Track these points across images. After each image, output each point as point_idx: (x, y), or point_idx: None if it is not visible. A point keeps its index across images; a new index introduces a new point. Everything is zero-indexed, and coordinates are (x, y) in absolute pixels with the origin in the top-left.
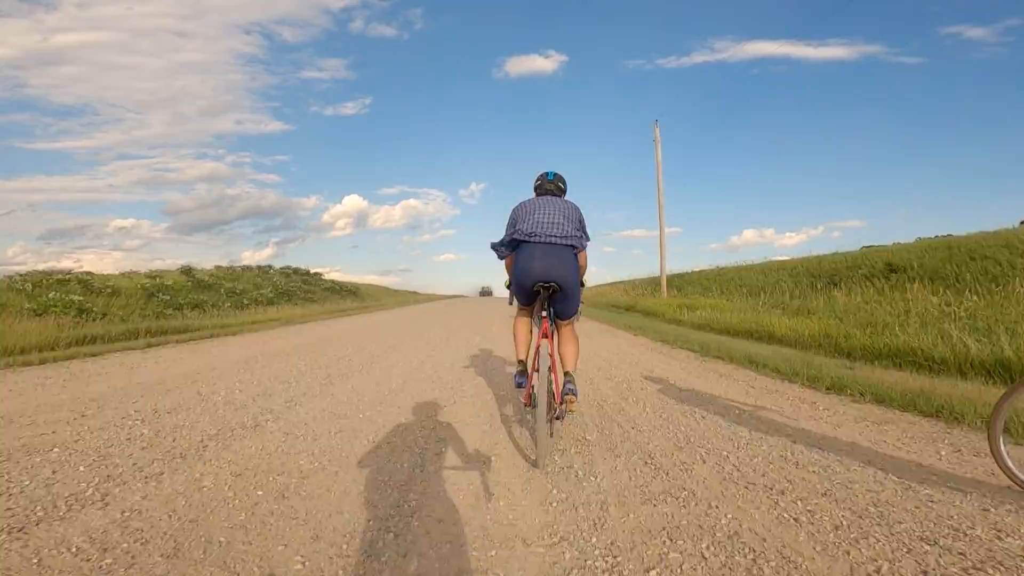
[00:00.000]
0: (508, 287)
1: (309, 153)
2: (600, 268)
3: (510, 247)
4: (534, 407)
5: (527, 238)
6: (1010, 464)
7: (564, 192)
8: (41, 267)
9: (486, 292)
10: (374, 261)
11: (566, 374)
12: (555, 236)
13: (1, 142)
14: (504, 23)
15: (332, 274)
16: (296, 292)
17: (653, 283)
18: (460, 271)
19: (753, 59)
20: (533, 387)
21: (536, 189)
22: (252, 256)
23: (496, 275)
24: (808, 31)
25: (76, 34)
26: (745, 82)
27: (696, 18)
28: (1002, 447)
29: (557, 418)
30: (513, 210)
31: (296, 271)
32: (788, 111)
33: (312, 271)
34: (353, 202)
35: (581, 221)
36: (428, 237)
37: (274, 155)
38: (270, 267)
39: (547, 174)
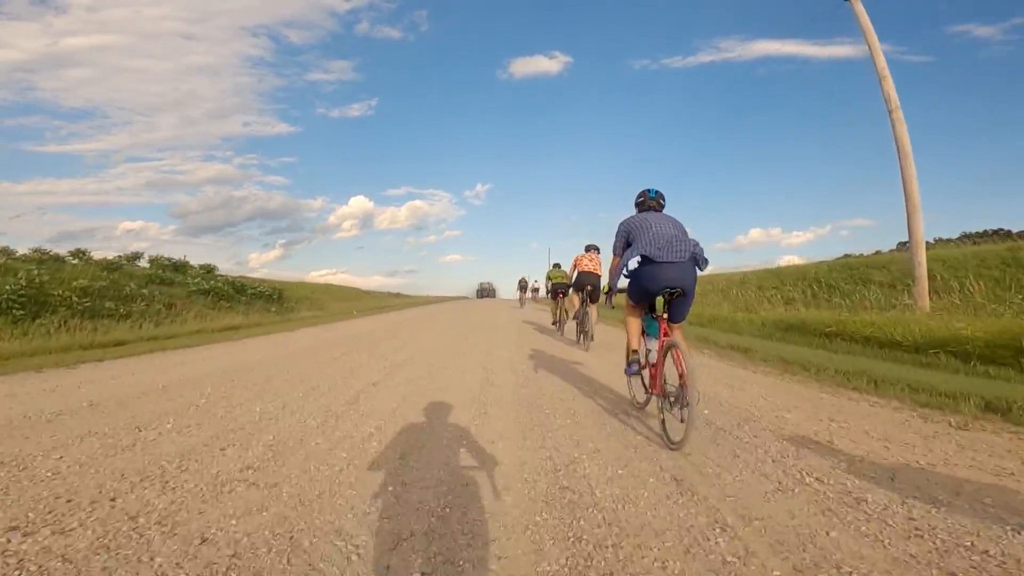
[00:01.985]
0: (547, 291)
1: (316, 155)
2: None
3: (622, 251)
4: (662, 396)
5: (657, 253)
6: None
7: (664, 207)
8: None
9: (486, 292)
10: (380, 262)
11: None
12: (682, 251)
13: (11, 145)
14: (509, 25)
15: (332, 277)
16: (157, 297)
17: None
18: (465, 272)
19: (759, 58)
20: (644, 380)
21: (638, 206)
22: (259, 258)
23: (504, 274)
24: (814, 30)
25: (85, 37)
26: (751, 81)
27: (702, 18)
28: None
29: (685, 406)
30: (624, 224)
31: (170, 263)
32: (795, 110)
33: (201, 264)
34: (359, 203)
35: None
36: (434, 238)
37: (281, 157)
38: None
39: (649, 192)
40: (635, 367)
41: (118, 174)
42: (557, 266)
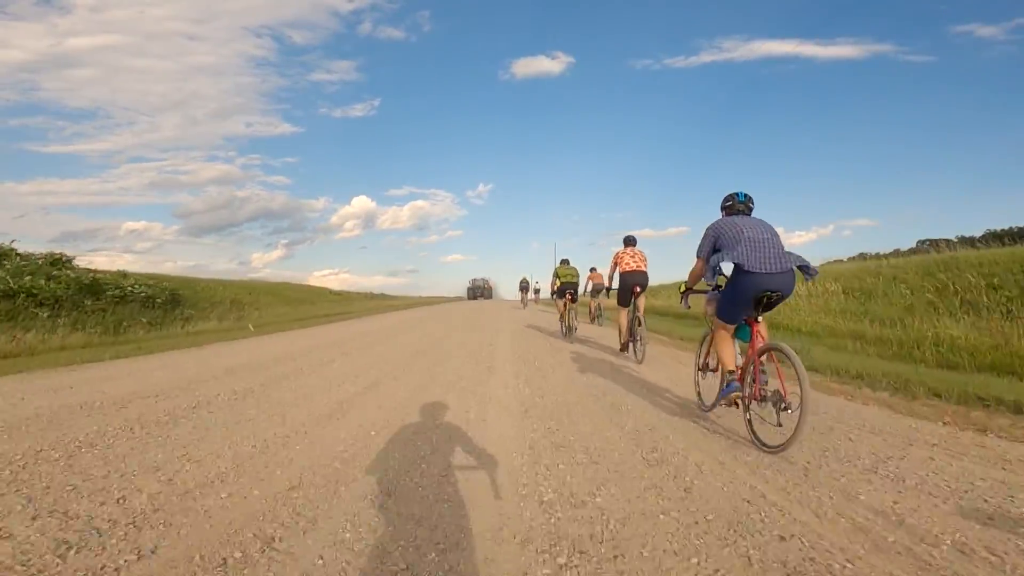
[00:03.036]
0: (553, 291)
1: (318, 155)
2: (606, 268)
3: (709, 255)
4: (764, 400)
5: (753, 262)
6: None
7: (752, 210)
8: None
9: (480, 291)
10: (382, 262)
11: None
12: (780, 258)
13: (14, 145)
14: (511, 25)
15: (331, 277)
16: None
17: None
18: (467, 272)
19: (762, 58)
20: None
21: (726, 209)
22: (262, 258)
23: (505, 273)
24: (817, 30)
25: (89, 37)
26: (754, 81)
27: (704, 18)
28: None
29: (786, 408)
30: (713, 228)
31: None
32: (797, 110)
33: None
34: (361, 203)
35: None
36: (435, 238)
37: (283, 157)
38: None
39: (738, 195)
40: (735, 386)
41: (121, 174)
42: (565, 262)
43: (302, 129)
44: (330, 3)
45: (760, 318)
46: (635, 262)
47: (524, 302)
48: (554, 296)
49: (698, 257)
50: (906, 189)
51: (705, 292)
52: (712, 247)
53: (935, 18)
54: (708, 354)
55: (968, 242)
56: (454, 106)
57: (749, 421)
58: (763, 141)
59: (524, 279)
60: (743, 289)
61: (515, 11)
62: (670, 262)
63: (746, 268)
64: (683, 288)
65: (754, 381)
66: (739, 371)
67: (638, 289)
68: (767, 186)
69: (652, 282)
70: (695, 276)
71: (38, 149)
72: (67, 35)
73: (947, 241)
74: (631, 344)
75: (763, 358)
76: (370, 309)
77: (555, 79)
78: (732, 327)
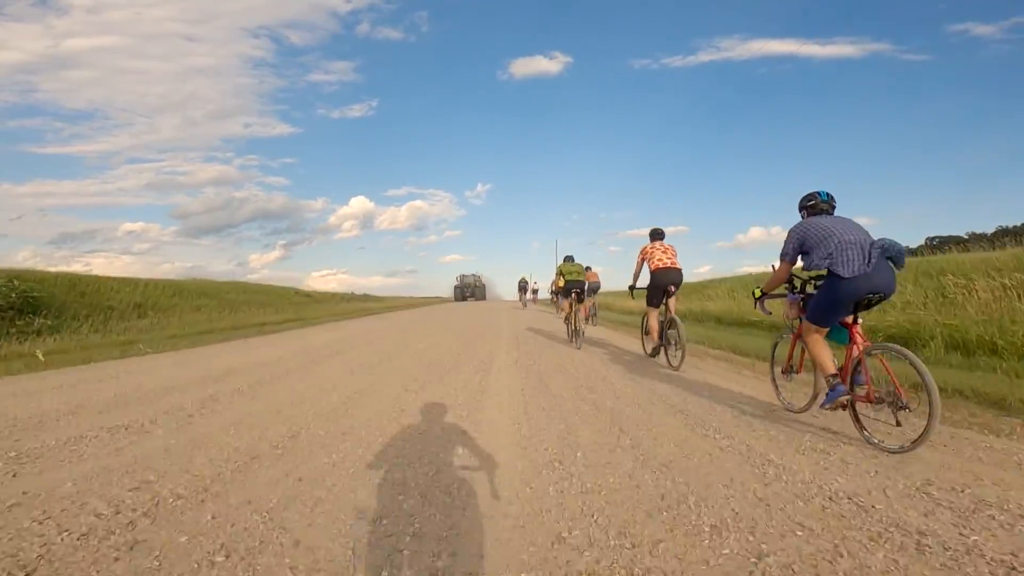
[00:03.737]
0: (556, 292)
1: (316, 156)
2: (605, 268)
3: (794, 258)
4: (879, 402)
5: (850, 267)
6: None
7: (835, 208)
8: (51, 271)
9: (470, 290)
10: (380, 263)
11: None
12: (875, 257)
13: (12, 147)
14: (509, 25)
15: (329, 277)
16: None
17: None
18: (465, 272)
19: (759, 58)
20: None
21: (809, 209)
22: (260, 259)
23: (504, 273)
24: (815, 29)
25: (87, 38)
26: (752, 81)
27: (702, 17)
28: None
29: (903, 408)
30: (799, 230)
31: None
32: (795, 109)
33: None
34: (360, 204)
35: None
36: (434, 238)
37: (282, 158)
38: None
39: (820, 194)
40: (842, 389)
41: (119, 175)
42: (570, 259)
43: (300, 130)
44: (328, 4)
45: (860, 319)
46: (668, 258)
47: (523, 302)
48: (557, 296)
49: (782, 260)
50: (904, 187)
51: (783, 296)
52: (797, 250)
53: (932, 17)
54: (790, 356)
55: (980, 239)
56: (452, 106)
57: (855, 418)
58: (761, 140)
59: (523, 279)
60: (841, 295)
61: (513, 11)
62: None
63: (843, 275)
64: (758, 292)
65: (864, 383)
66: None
67: (672, 288)
68: (766, 186)
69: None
70: (777, 280)
71: (36, 150)
72: (65, 36)
73: (956, 238)
74: (664, 349)
75: (870, 361)
76: (336, 314)
77: (553, 79)
78: (825, 330)
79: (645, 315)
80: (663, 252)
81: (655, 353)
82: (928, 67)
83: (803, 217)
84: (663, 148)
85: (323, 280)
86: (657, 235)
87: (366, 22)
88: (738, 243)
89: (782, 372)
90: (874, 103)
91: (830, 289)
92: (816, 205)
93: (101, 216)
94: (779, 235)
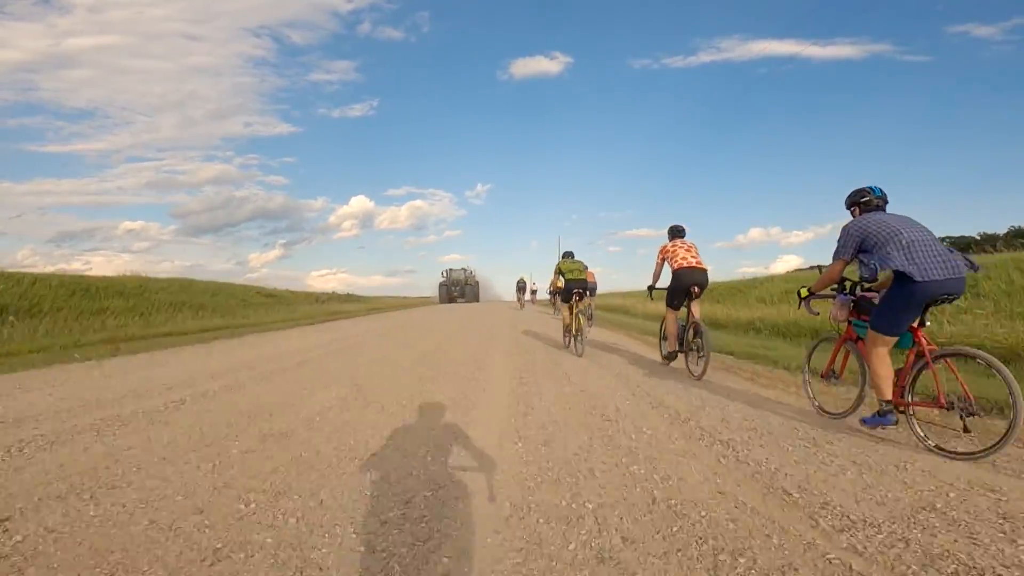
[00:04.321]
0: (554, 292)
1: (316, 155)
2: (606, 268)
3: (851, 257)
4: (950, 408)
5: (924, 268)
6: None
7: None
8: (50, 270)
9: (459, 288)
10: (380, 262)
11: None
12: (949, 259)
13: (12, 145)
14: (509, 25)
15: (329, 277)
16: None
17: None
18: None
19: (760, 58)
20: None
21: (862, 205)
22: (259, 258)
23: (503, 272)
24: (815, 30)
25: (88, 37)
26: (752, 81)
27: (702, 18)
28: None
29: (971, 415)
30: (857, 227)
31: None
32: (795, 110)
33: None
34: (360, 203)
35: None
36: (433, 238)
37: (282, 157)
38: None
39: (873, 189)
40: (892, 419)
41: (119, 174)
42: (570, 255)
43: (300, 129)
44: (329, 3)
45: (928, 322)
46: (692, 256)
47: (522, 303)
48: (556, 298)
49: (837, 259)
50: (904, 188)
51: (831, 296)
52: (856, 248)
53: (932, 18)
54: (833, 360)
55: (993, 239)
56: (453, 106)
57: (915, 425)
58: (761, 140)
59: (521, 279)
60: (914, 298)
61: (513, 12)
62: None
63: (916, 277)
64: (805, 292)
65: (935, 389)
66: (895, 397)
67: (696, 290)
68: (766, 186)
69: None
70: (829, 280)
71: (36, 149)
72: (66, 35)
73: (967, 239)
74: (685, 356)
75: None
76: (290, 320)
77: (553, 79)
78: (893, 340)
79: (663, 319)
80: (686, 250)
81: (671, 358)
82: (928, 68)
83: (854, 215)
84: (663, 148)
85: (323, 280)
86: (678, 232)
87: (367, 22)
88: (737, 243)
89: (821, 376)
90: (874, 104)
91: (901, 292)
92: (870, 201)
93: (101, 215)
94: (778, 236)
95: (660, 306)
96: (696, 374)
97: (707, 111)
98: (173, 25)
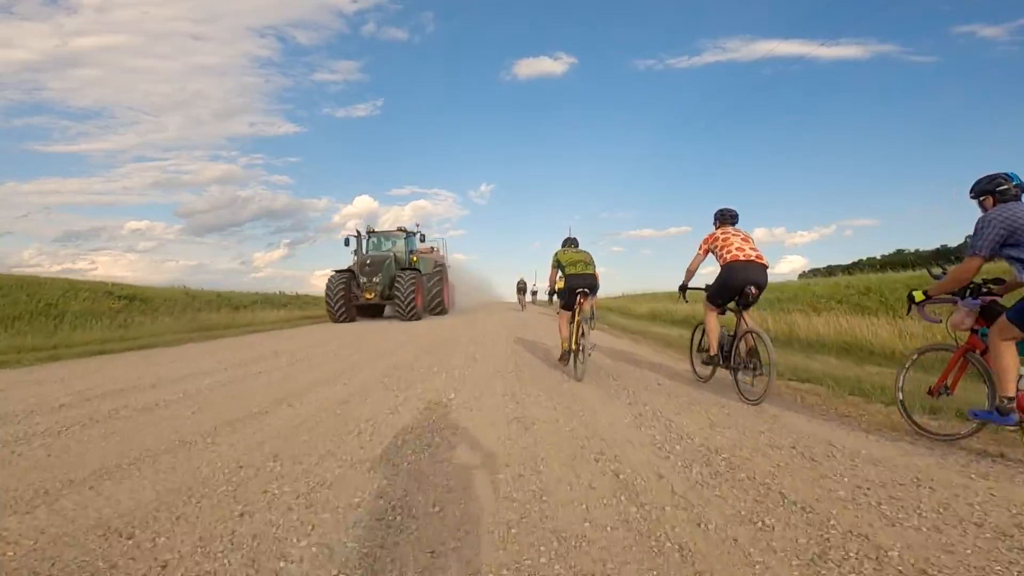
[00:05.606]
0: (555, 294)
1: (321, 155)
2: (609, 268)
3: (993, 254)
4: None
5: None
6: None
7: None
8: (55, 269)
9: (385, 284)
10: None
11: None
12: None
13: (18, 145)
14: (514, 26)
15: None
16: None
17: None
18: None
19: (765, 59)
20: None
21: (996, 195)
22: (264, 257)
23: (505, 271)
24: (821, 30)
25: (94, 37)
26: (757, 82)
27: (707, 18)
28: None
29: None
30: (1004, 217)
31: None
32: (800, 110)
33: None
34: (364, 203)
35: None
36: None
37: (286, 157)
38: None
39: (1011, 176)
40: (1014, 418)
41: (124, 174)
42: (572, 243)
43: (305, 129)
44: (334, 4)
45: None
46: (751, 249)
47: (522, 304)
48: (557, 299)
49: (974, 255)
50: (908, 189)
51: (949, 301)
52: (1000, 244)
53: (938, 19)
54: (947, 374)
55: None
56: (457, 106)
57: None
58: (765, 141)
59: (522, 280)
60: None
61: (518, 12)
62: (672, 263)
63: None
64: (920, 296)
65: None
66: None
67: (754, 291)
68: (771, 186)
69: (656, 288)
70: (963, 280)
71: (42, 149)
72: (73, 35)
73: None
74: (734, 374)
75: None
76: (220, 329)
77: (557, 79)
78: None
79: (696, 325)
80: (743, 240)
81: (711, 363)
82: (934, 69)
83: (984, 206)
84: (667, 148)
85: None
86: (729, 217)
87: (372, 22)
88: None
89: (929, 392)
90: (879, 104)
91: None
92: (1008, 190)
93: (106, 214)
94: (783, 236)
95: (660, 306)
96: (751, 398)
97: (712, 112)
98: (179, 25)
